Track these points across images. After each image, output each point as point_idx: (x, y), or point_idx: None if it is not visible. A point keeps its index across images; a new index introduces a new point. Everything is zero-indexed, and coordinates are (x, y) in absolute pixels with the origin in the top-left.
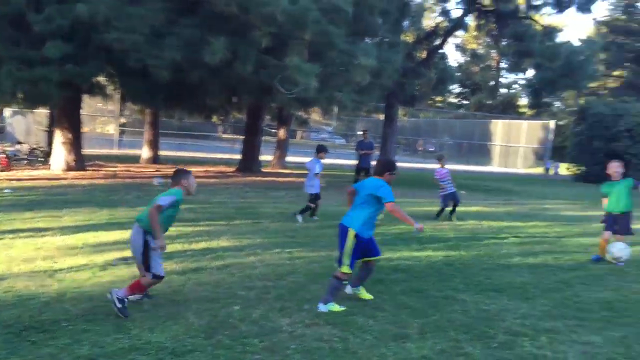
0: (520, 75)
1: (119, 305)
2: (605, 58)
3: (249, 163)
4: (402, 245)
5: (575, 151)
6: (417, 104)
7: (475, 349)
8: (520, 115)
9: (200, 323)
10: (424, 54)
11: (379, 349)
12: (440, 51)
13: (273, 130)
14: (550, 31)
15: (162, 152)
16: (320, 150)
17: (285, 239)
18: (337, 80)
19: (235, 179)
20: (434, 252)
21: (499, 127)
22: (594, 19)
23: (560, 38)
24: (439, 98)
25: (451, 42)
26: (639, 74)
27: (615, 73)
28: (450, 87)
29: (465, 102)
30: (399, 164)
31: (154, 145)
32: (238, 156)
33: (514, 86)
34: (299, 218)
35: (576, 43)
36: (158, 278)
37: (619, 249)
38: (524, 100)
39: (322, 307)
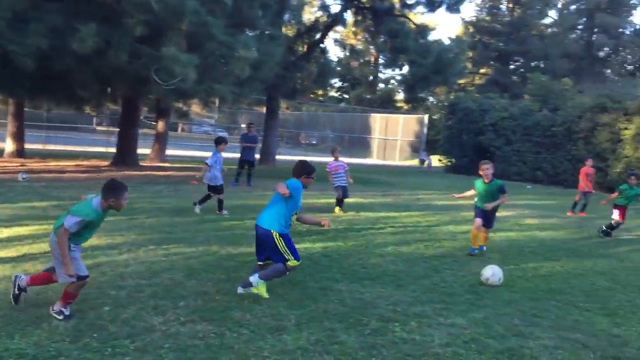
0: (397, 70)
1: (61, 317)
2: (472, 56)
3: (124, 156)
4: None
5: (446, 144)
6: (298, 97)
7: (350, 337)
8: (397, 110)
9: (66, 326)
10: (304, 48)
11: (255, 342)
12: (321, 45)
13: (152, 123)
14: (423, 29)
15: (29, 145)
16: (218, 142)
17: (162, 235)
18: (217, 72)
19: (109, 174)
20: (312, 244)
21: (377, 120)
22: (462, 19)
23: (432, 36)
24: (320, 92)
25: (331, 36)
26: (502, 72)
27: (482, 70)
28: (331, 81)
29: (345, 96)
30: (281, 157)
31: (19, 137)
32: (114, 149)
33: (391, 81)
34: (224, 212)
35: (446, 42)
36: (83, 279)
37: (493, 274)
38: (401, 95)
39: (254, 279)
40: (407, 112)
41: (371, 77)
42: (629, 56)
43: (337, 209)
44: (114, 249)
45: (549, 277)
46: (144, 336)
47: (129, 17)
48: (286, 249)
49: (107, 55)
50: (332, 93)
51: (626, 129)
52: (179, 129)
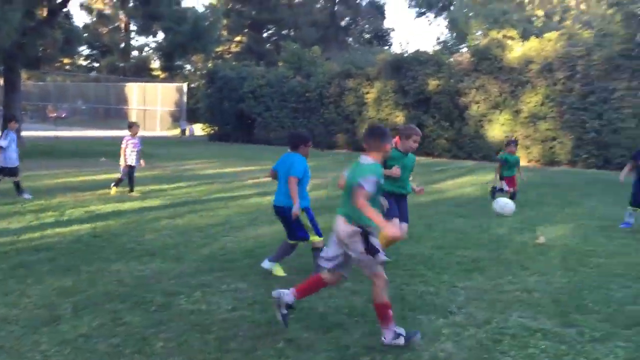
0: (151, 38)
1: (402, 342)
2: (227, 24)
3: None
4: (45, 223)
5: (207, 112)
6: (42, 66)
7: (135, 316)
8: (154, 78)
9: None
10: (44, 13)
11: (29, 337)
12: (64, 10)
13: None
14: None
15: None
16: (10, 119)
17: None
18: None
19: None
20: (80, 226)
21: (134, 90)
22: None
23: (186, 3)
24: (67, 60)
25: (76, 1)
26: (256, 40)
27: (237, 38)
28: (79, 49)
29: (96, 64)
30: (27, 133)
31: None
32: None
33: (146, 49)
34: (25, 195)
35: (201, 9)
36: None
37: (502, 205)
38: (157, 63)
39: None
40: (165, 80)
41: (123, 45)
42: (366, 26)
43: (124, 190)
44: None
45: None
46: None
47: None
48: (309, 224)
49: None
50: (81, 61)
51: (368, 92)
52: None
